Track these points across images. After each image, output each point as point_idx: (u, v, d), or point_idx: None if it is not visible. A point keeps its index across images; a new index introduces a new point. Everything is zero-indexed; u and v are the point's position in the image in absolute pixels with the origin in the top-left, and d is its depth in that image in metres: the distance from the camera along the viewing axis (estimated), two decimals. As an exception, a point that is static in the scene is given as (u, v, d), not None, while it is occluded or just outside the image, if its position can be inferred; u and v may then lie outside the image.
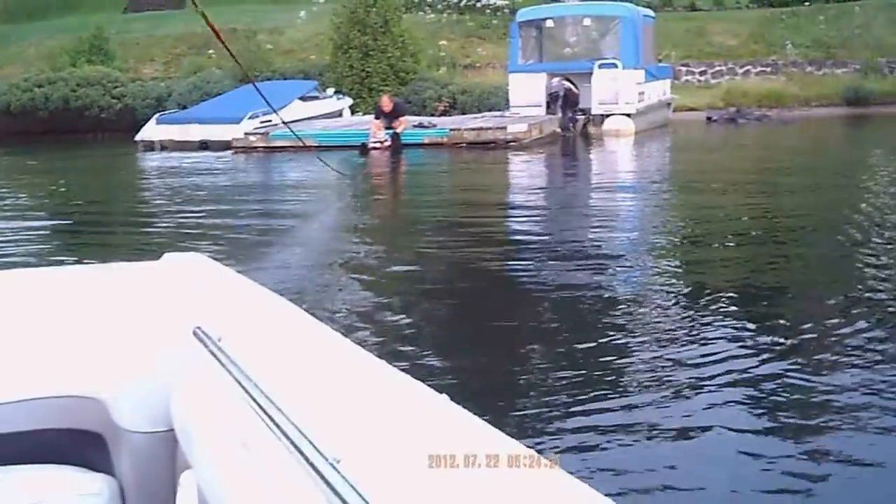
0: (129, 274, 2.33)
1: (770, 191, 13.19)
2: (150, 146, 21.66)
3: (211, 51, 27.98)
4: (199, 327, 1.81)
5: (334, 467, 1.12)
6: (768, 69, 28.90)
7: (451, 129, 19.45)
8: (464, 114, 23.58)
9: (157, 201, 14.09)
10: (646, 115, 20.87)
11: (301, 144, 19.09)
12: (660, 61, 25.78)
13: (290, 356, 1.60)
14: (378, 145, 18.69)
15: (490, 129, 19.24)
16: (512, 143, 18.58)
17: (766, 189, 13.36)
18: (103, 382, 1.99)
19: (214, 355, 1.68)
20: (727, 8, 32.75)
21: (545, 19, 21.41)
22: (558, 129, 20.10)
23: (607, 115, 20.22)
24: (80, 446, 2.02)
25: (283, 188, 15.77)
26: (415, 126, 19.73)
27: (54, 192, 15.48)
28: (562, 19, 21.52)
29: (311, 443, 1.20)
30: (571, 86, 20.20)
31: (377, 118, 19.27)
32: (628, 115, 20.07)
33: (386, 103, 19.30)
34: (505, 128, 19.00)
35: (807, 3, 30.89)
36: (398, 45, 25.67)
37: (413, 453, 1.11)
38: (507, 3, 30.63)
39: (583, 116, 20.53)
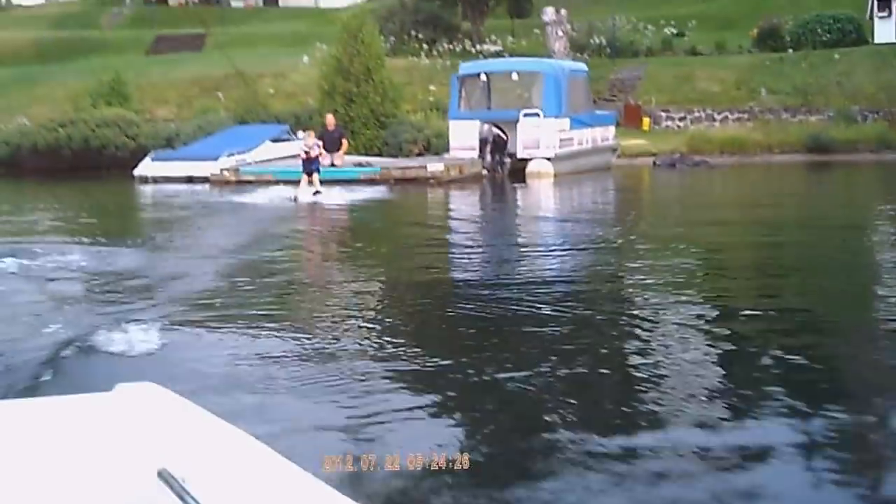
0: (82, 408, 2.20)
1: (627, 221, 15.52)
2: (145, 180, 24.45)
3: (219, 92, 30.77)
4: (164, 469, 1.76)
5: None
6: (745, 115, 29.85)
7: (382, 168, 21.79)
8: (437, 155, 25.62)
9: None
10: (572, 159, 22.48)
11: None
12: (634, 106, 27.34)
13: (262, 500, 1.55)
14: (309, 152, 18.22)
15: (413, 167, 21.54)
16: (431, 181, 20.73)
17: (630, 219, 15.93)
18: None
19: (182, 498, 1.63)
20: (729, 52, 33.68)
21: (479, 73, 23.61)
22: (483, 170, 22.05)
23: (530, 159, 21.99)
24: None
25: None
26: (354, 164, 22.12)
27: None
28: (494, 74, 23.78)
29: None
30: (500, 132, 22.06)
31: (320, 138, 21.44)
32: (548, 159, 21.79)
33: (330, 121, 21.64)
34: (425, 167, 21.23)
35: (790, 50, 31.80)
36: (379, 92, 27.85)
37: None
38: (499, 48, 32.51)
39: (510, 160, 22.34)
